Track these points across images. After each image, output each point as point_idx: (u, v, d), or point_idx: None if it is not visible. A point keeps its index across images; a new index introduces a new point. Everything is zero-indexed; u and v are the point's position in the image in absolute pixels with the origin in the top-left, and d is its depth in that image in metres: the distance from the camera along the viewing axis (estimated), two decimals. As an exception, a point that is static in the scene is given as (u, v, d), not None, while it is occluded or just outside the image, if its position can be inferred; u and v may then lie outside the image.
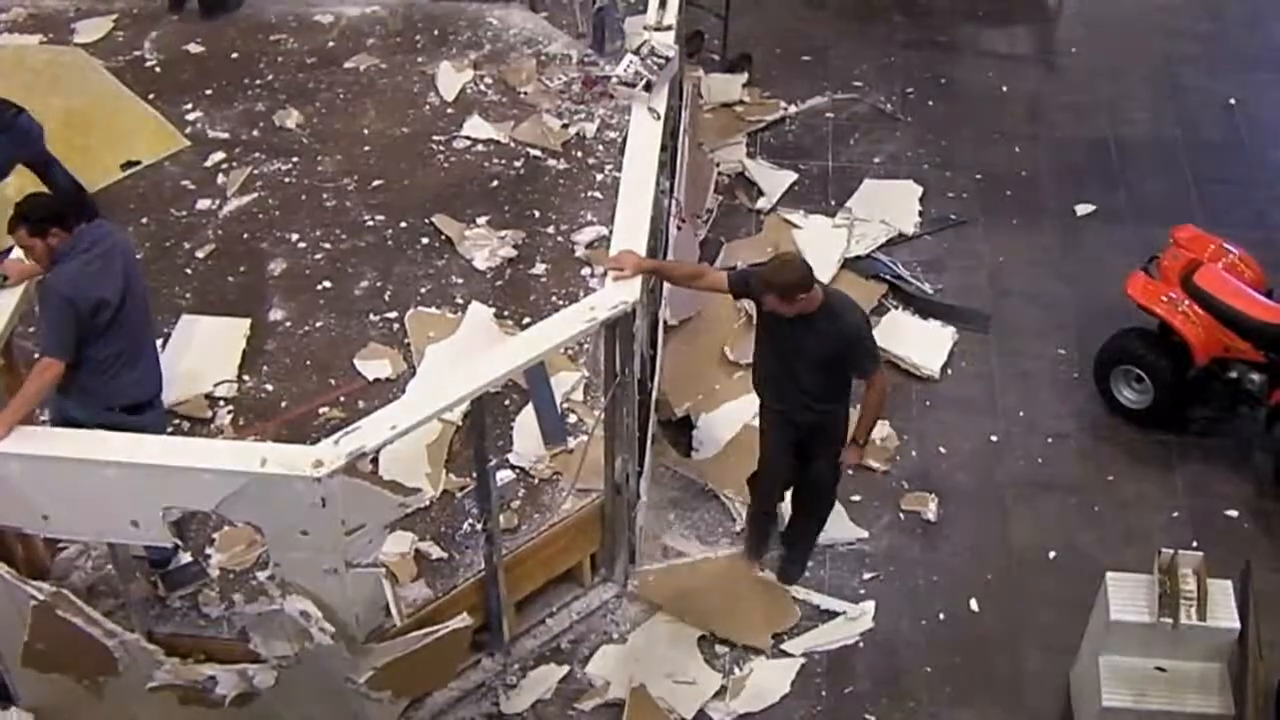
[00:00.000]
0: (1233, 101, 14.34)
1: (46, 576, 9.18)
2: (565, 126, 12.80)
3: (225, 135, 12.90)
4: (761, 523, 10.25)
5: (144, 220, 12.06)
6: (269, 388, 10.71)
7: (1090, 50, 15.07)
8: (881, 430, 11.09)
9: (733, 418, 10.84)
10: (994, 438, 11.24)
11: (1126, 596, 8.84)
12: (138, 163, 12.64)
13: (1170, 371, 10.91)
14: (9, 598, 8.51)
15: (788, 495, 10.14)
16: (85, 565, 9.43)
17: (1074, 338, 11.92)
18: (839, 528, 10.55)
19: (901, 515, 10.71)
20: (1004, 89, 14.55)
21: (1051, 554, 10.48)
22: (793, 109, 14.17)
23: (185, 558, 9.46)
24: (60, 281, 8.53)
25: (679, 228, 11.15)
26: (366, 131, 12.90)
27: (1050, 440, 11.23)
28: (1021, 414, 11.40)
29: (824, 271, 12.03)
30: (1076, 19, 15.58)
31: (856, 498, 10.75)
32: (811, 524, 10.24)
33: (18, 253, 9.12)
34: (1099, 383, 11.36)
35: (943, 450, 11.14)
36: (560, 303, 11.06)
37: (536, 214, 11.98)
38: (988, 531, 10.63)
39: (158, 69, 13.68)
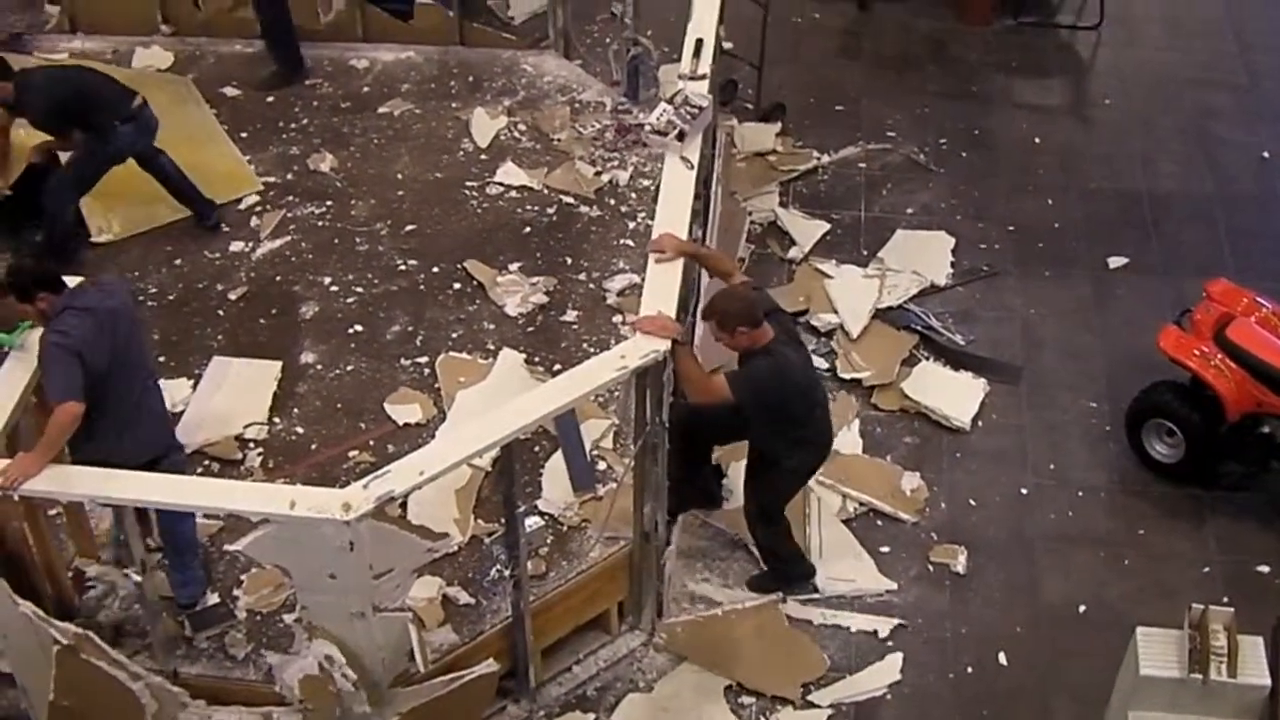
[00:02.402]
0: (1266, 155, 14.32)
1: (74, 616, 9.20)
2: (598, 174, 12.83)
3: (260, 178, 12.95)
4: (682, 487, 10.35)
5: (177, 261, 12.12)
6: (299, 430, 10.74)
7: (1124, 102, 15.06)
8: (912, 481, 11.08)
9: (762, 467, 10.81)
10: (1024, 490, 11.20)
11: (1157, 651, 8.78)
12: (209, 201, 12.67)
13: (1202, 426, 10.86)
14: (36, 640, 8.53)
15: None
16: (113, 605, 9.45)
17: (1105, 391, 11.88)
18: (867, 578, 10.53)
19: (930, 567, 10.67)
20: (1037, 140, 14.53)
21: (1081, 608, 10.43)
22: (825, 159, 14.17)
23: (212, 598, 9.48)
24: (52, 332, 8.50)
25: (711, 276, 11.14)
26: (400, 176, 12.94)
27: (1081, 493, 11.18)
28: (1052, 467, 11.36)
29: (855, 322, 12.05)
30: (1110, 71, 15.57)
31: (885, 549, 10.72)
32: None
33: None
34: (1130, 436, 11.31)
35: (973, 502, 11.10)
36: (591, 350, 11.07)
37: (568, 261, 12.00)
38: (1017, 584, 10.58)
39: (194, 111, 13.76)
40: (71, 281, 8.97)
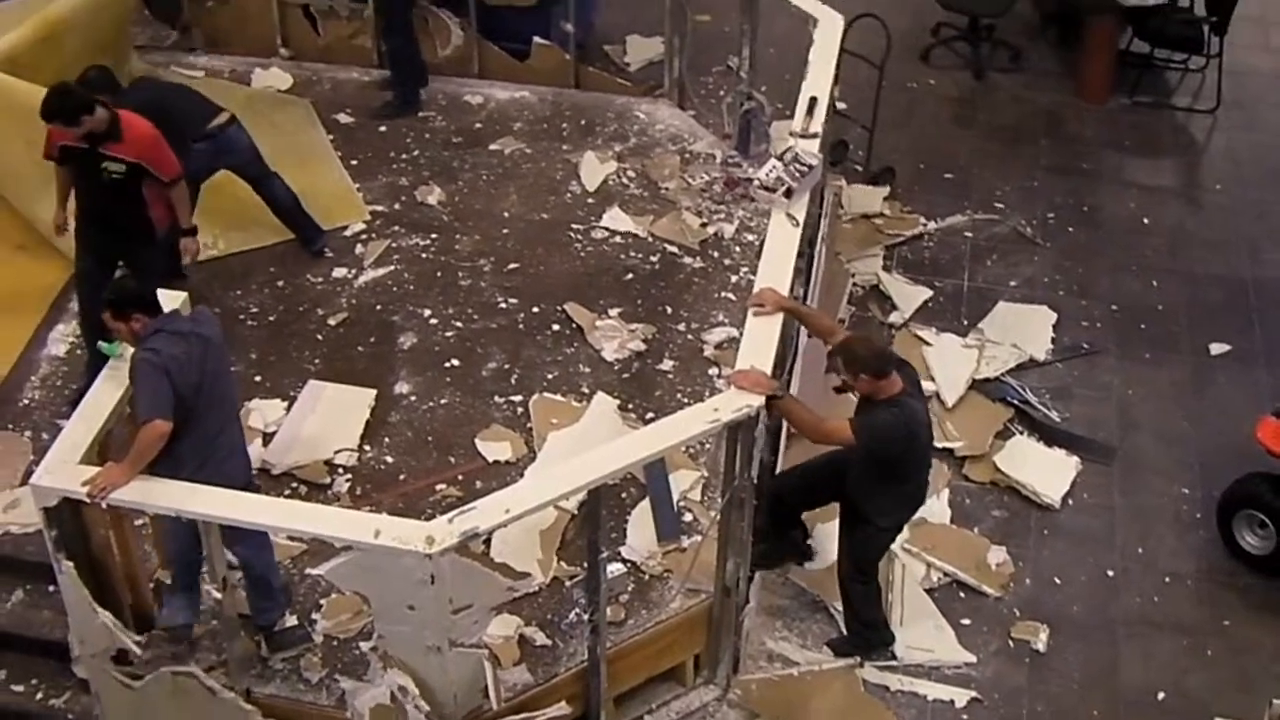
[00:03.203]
0: (1379, 250, 14.17)
1: (152, 627, 9.27)
2: (704, 225, 12.82)
3: (367, 206, 13.04)
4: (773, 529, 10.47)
5: (280, 283, 12.21)
6: (389, 460, 10.77)
7: (1235, 188, 14.94)
8: (998, 555, 10.99)
9: (848, 530, 10.73)
10: (1110, 572, 11.10)
11: (1235, 745, 8.71)
12: None
13: (1295, 519, 10.78)
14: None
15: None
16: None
17: (1199, 477, 11.76)
18: (946, 649, 10.45)
19: (1011, 643, 10.58)
20: (1145, 220, 14.43)
21: (1160, 695, 10.31)
22: (932, 225, 14.13)
23: (291, 620, 9.51)
24: (142, 350, 8.53)
25: (810, 335, 11.12)
26: (506, 214, 12.99)
27: (1167, 579, 11.07)
28: (1140, 550, 11.25)
29: (951, 391, 12.00)
30: (1224, 155, 15.46)
31: (966, 621, 10.64)
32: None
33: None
34: (1221, 525, 11.19)
35: (1058, 581, 11.01)
36: (685, 400, 11.07)
37: (668, 310, 12.00)
38: (1097, 666, 10.48)
39: (307, 136, 13.89)
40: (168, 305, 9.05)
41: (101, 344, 9.11)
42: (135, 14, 14.45)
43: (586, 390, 11.28)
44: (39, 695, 9.76)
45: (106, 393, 8.84)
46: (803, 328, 10.61)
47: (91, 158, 10.34)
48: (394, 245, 12.64)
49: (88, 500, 8.24)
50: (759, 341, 9.23)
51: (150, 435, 8.35)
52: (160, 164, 10.56)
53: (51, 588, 9.23)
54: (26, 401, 11.20)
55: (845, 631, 10.38)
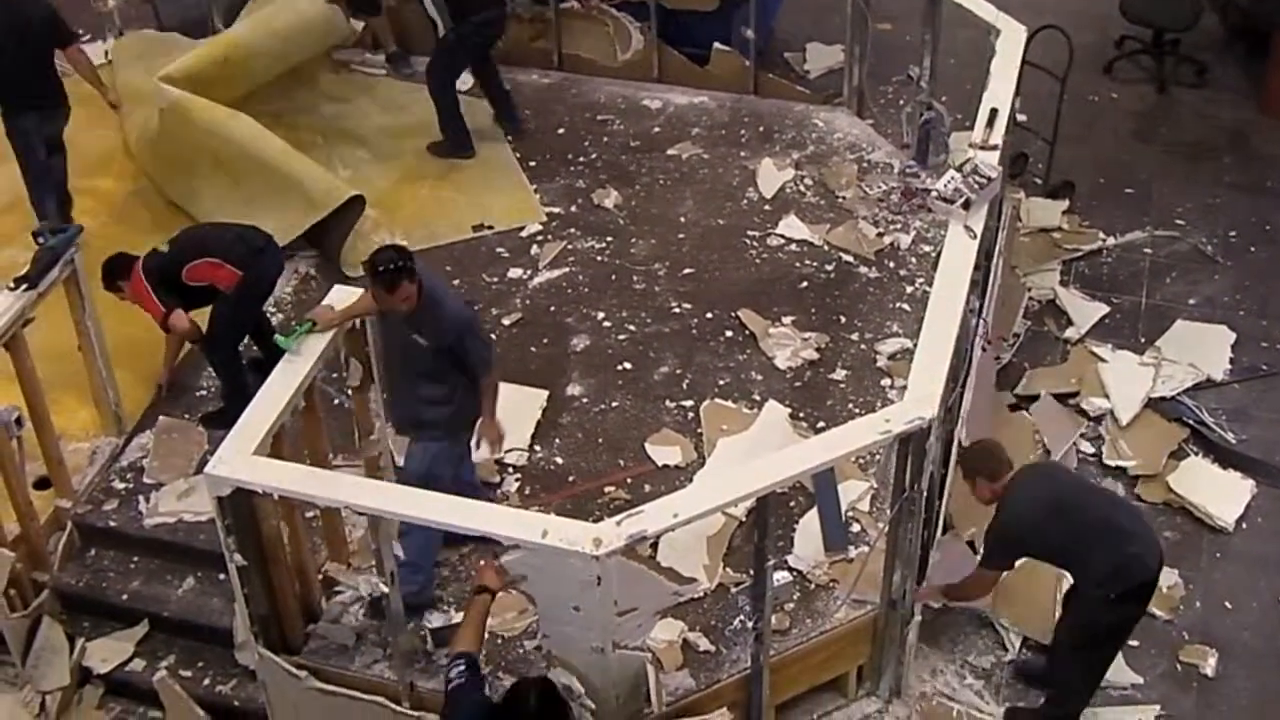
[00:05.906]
0: None
1: (318, 618, 9.38)
2: (880, 235, 12.77)
3: (544, 208, 13.13)
4: None
5: (456, 282, 12.31)
6: (558, 460, 10.83)
7: None
8: (1169, 578, 10.81)
9: (1018, 548, 10.62)
10: (1283, 599, 10.93)
11: None
12: (490, 227, 13.00)
13: None
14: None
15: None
16: (357, 612, 9.58)
17: (1378, 504, 11.55)
18: (1113, 670, 10.30)
19: (1178, 666, 10.41)
20: (1331, 242, 14.18)
21: (1333, 726, 10.15)
22: (1111, 241, 13.94)
23: (457, 617, 9.58)
24: (457, 314, 9.25)
25: (984, 349, 11.03)
26: (683, 219, 13.02)
27: (1342, 608, 10.88)
28: (1315, 577, 11.07)
29: (1126, 409, 11.84)
30: None
31: (1134, 643, 10.45)
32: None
33: (331, 298, 9.33)
34: (1401, 555, 11.00)
35: (1228, 605, 10.82)
36: (857, 411, 11.04)
37: (842, 319, 11.97)
38: (1267, 695, 10.26)
39: (488, 138, 14.07)
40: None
41: (278, 337, 9.19)
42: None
43: (758, 397, 11.28)
44: (206, 681, 9.93)
45: (281, 384, 8.93)
46: (976, 341, 10.54)
47: None
48: (569, 247, 12.73)
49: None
50: (933, 353, 9.16)
51: (494, 386, 9.44)
52: None
53: (222, 576, 9.40)
54: (202, 391, 11.40)
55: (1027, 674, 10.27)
